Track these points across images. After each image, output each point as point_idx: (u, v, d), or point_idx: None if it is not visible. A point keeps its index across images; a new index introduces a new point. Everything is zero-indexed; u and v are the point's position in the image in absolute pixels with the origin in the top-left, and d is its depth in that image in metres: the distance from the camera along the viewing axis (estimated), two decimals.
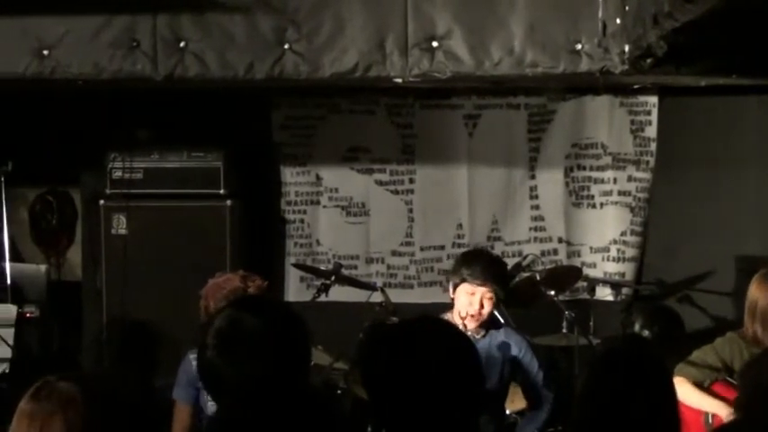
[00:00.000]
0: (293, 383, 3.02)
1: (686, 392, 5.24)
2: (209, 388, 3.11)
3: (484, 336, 5.52)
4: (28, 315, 7.24)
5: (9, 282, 7.21)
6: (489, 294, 5.42)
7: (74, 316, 8.11)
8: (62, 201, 8.67)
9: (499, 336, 5.59)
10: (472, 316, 5.42)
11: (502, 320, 6.23)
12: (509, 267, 7.45)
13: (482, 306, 5.41)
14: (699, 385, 5.33)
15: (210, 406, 5.02)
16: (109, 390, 3.16)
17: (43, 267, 8.10)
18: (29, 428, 3.06)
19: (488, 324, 5.61)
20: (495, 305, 5.52)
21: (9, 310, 6.52)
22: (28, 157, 7.69)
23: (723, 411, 5.21)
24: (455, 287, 5.50)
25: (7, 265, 7.24)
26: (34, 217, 8.69)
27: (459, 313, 5.45)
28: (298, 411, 2.52)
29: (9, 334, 6.38)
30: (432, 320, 3.21)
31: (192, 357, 5.28)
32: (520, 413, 6.27)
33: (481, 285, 5.41)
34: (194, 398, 5.26)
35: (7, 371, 6.38)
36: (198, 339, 3.14)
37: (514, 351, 5.57)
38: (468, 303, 5.42)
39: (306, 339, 3.20)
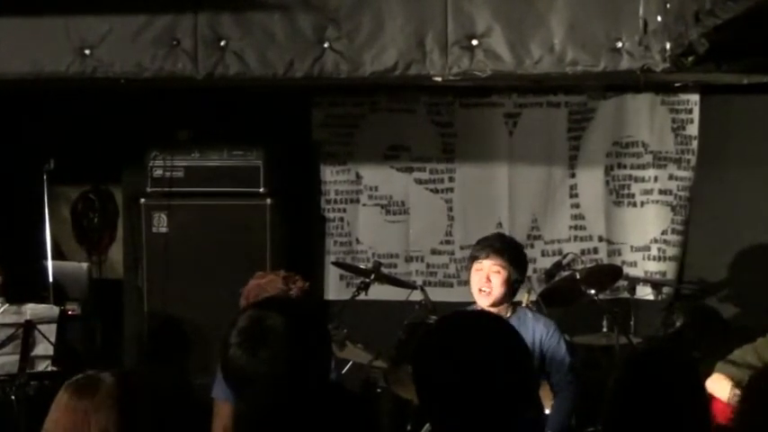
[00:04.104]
0: (315, 380, 3.08)
1: (720, 388, 5.26)
2: (232, 386, 3.15)
3: (510, 317, 5.50)
4: (70, 312, 7.29)
5: (51, 280, 7.26)
6: (496, 268, 5.48)
7: (115, 313, 8.17)
8: (104, 199, 8.73)
9: (527, 318, 5.62)
10: (482, 291, 5.48)
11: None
12: (549, 266, 7.50)
13: (489, 280, 5.46)
14: (737, 384, 5.31)
15: None
16: (145, 386, 3.18)
17: (85, 265, 8.15)
18: (65, 421, 3.09)
19: (514, 306, 5.67)
20: (509, 284, 5.52)
21: (51, 310, 6.56)
22: (70, 156, 7.75)
23: None
24: (468, 271, 5.61)
25: (49, 263, 7.29)
26: (76, 215, 8.76)
27: (475, 295, 5.55)
28: (319, 407, 2.54)
29: (51, 331, 6.42)
30: (486, 316, 3.17)
31: None
32: None
33: (486, 259, 5.49)
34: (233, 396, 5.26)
35: (50, 368, 6.42)
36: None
37: (542, 332, 5.57)
38: (477, 281, 5.50)
39: (326, 337, 3.30)
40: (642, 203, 8.20)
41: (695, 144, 8.01)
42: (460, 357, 2.83)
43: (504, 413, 2.81)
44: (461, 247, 8.24)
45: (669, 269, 8.13)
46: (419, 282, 8.06)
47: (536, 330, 5.56)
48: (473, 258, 5.59)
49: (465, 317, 3.09)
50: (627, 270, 7.80)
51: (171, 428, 3.21)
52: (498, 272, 5.48)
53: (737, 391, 5.14)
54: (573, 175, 8.26)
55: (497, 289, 5.48)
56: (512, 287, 5.57)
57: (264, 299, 4.29)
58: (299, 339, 3.11)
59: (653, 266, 8.16)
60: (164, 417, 3.17)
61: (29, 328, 6.34)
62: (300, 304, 3.65)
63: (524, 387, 2.90)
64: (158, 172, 7.84)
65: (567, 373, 5.61)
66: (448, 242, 8.39)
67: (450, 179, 8.34)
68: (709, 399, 3.64)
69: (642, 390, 3.43)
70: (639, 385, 3.45)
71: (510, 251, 5.58)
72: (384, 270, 7.29)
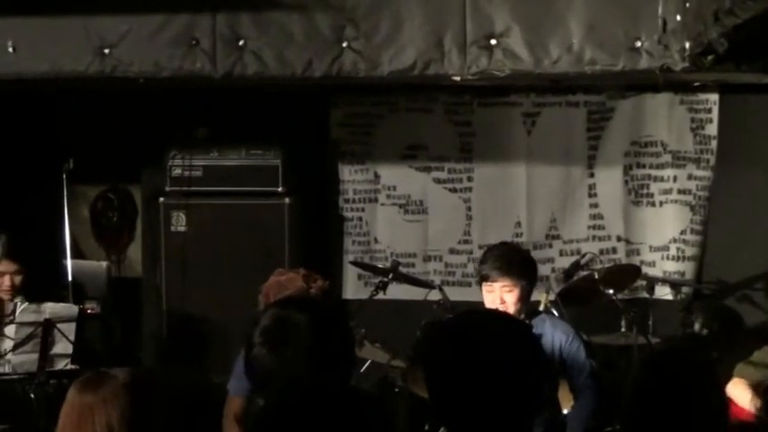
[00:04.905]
0: (336, 380, 3.10)
1: (739, 393, 5.24)
2: (255, 384, 3.18)
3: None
4: (89, 311, 7.32)
5: (70, 278, 7.28)
6: (507, 288, 5.34)
7: (134, 312, 8.19)
8: (123, 198, 8.76)
9: (545, 325, 5.53)
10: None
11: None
12: (567, 266, 7.48)
13: (503, 300, 5.35)
14: (757, 386, 5.29)
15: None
16: (157, 384, 3.21)
17: (104, 264, 8.19)
18: (72, 416, 3.11)
19: (531, 314, 5.59)
20: (523, 297, 5.39)
21: (70, 308, 6.59)
22: (89, 156, 7.78)
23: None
24: (480, 287, 5.49)
25: (69, 262, 7.31)
26: (95, 214, 8.79)
27: None
28: (339, 407, 2.54)
29: (70, 329, 6.45)
30: (498, 315, 3.14)
31: None
32: None
33: (494, 281, 5.36)
34: (248, 391, 5.25)
35: (69, 366, 6.44)
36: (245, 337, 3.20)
37: (562, 339, 5.49)
38: (491, 301, 5.39)
39: (349, 337, 3.33)
40: (661, 203, 8.18)
41: (714, 144, 7.99)
42: (472, 356, 2.81)
43: (516, 413, 2.80)
44: (480, 247, 8.22)
45: (688, 269, 8.11)
46: (437, 281, 8.06)
47: (555, 338, 5.47)
48: (483, 278, 5.44)
49: (477, 316, 3.07)
50: (645, 270, 7.79)
51: (188, 426, 3.23)
52: (510, 290, 5.34)
53: (758, 402, 5.14)
54: (592, 175, 8.24)
55: (513, 306, 5.35)
56: (526, 298, 5.46)
57: (287, 297, 4.31)
58: (323, 338, 3.13)
59: (672, 266, 8.14)
60: (180, 415, 3.19)
61: (48, 326, 6.36)
62: (323, 304, 3.67)
63: (537, 387, 2.88)
64: (177, 171, 7.86)
65: (588, 376, 5.58)
66: (466, 242, 8.38)
67: (469, 179, 8.34)
68: (726, 399, 3.63)
69: (660, 390, 3.42)
70: (657, 385, 3.44)
71: (518, 267, 5.41)
72: (402, 269, 7.29)
